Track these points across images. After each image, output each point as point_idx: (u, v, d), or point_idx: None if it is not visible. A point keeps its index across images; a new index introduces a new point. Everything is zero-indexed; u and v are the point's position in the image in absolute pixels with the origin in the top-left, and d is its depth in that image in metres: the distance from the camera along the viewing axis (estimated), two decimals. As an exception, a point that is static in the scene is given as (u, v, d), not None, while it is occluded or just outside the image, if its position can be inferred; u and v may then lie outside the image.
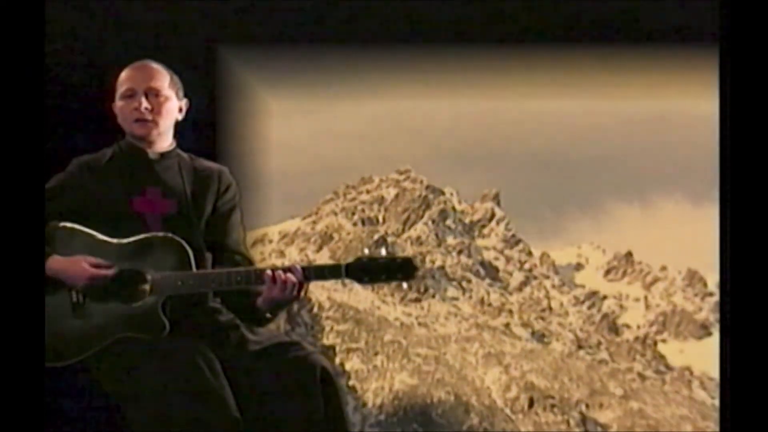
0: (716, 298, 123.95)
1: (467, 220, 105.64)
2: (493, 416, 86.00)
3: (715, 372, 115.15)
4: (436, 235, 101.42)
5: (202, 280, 5.48)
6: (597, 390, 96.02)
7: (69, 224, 5.52)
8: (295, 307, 77.73)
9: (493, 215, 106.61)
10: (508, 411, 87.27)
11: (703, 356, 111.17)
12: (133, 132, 5.66)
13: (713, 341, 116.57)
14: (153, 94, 5.62)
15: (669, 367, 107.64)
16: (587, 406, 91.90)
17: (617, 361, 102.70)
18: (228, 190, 5.79)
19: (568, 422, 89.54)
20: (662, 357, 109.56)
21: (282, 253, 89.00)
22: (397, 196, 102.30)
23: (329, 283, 77.21)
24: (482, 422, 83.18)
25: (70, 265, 5.44)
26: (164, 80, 5.68)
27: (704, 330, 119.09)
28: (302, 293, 5.56)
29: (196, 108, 5.84)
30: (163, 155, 5.71)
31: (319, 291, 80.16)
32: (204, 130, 6.42)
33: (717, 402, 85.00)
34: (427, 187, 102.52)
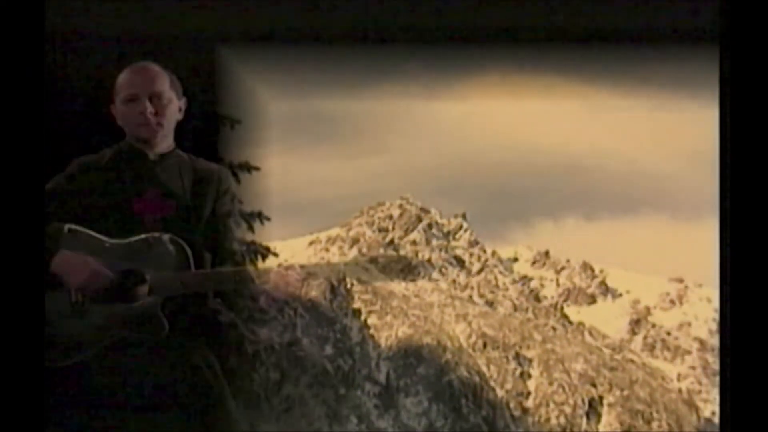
0: (600, 278, 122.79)
1: (445, 230, 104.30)
2: (460, 354, 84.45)
3: (599, 324, 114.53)
4: (426, 239, 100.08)
5: (201, 280, 3.41)
6: (526, 337, 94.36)
7: (73, 226, 3.43)
8: (336, 283, 76.05)
9: (461, 227, 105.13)
10: (470, 350, 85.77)
11: (591, 315, 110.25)
12: (139, 135, 3.56)
13: (597, 306, 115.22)
14: (156, 97, 3.51)
15: (570, 323, 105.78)
16: (519, 347, 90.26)
17: (539, 319, 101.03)
18: (227, 191, 3.67)
19: (507, 357, 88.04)
20: (566, 316, 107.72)
21: (327, 250, 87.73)
22: (401, 213, 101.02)
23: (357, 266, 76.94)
24: (453, 357, 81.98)
25: (74, 261, 3.37)
26: (165, 82, 3.54)
27: (591, 299, 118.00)
28: (303, 291, 3.47)
29: (197, 108, 3.67)
30: (163, 156, 3.60)
31: (350, 271, 78.89)
32: (205, 130, 4.20)
33: (599, 343, 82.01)
34: (420, 209, 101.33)
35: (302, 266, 3.41)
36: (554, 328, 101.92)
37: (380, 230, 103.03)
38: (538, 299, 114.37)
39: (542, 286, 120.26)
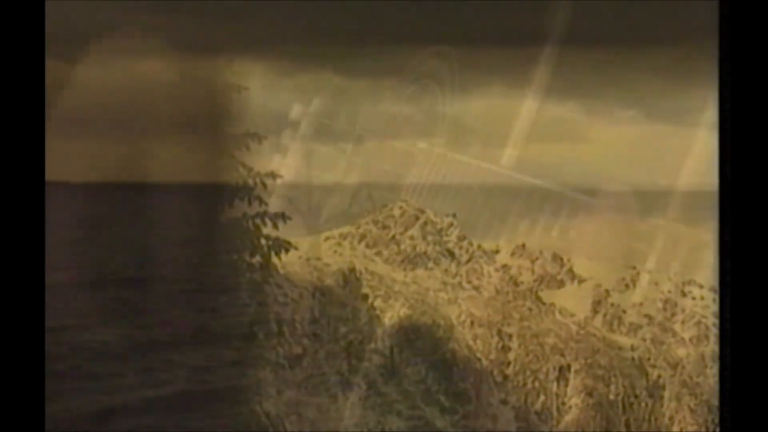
0: (567, 266, 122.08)
1: (438, 227, 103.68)
2: (451, 331, 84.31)
3: (567, 305, 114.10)
4: (422, 235, 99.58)
5: None
6: (506, 316, 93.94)
7: None
8: (348, 272, 75.80)
9: (452, 224, 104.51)
10: (459, 327, 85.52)
11: (560, 298, 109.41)
12: None
13: (565, 289, 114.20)
14: None
15: (543, 303, 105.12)
16: (501, 324, 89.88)
17: (517, 301, 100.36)
18: None
19: (490, 333, 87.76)
20: (539, 298, 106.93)
21: (340, 245, 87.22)
22: (401, 214, 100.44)
23: (365, 257, 77.27)
24: (446, 333, 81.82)
25: None
26: None
27: (561, 284, 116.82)
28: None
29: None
30: None
31: (359, 262, 78.66)
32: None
33: (567, 320, 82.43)
34: (417, 209, 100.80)
35: None
36: (530, 309, 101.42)
37: (384, 227, 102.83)
38: (516, 284, 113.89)
39: (520, 273, 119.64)
